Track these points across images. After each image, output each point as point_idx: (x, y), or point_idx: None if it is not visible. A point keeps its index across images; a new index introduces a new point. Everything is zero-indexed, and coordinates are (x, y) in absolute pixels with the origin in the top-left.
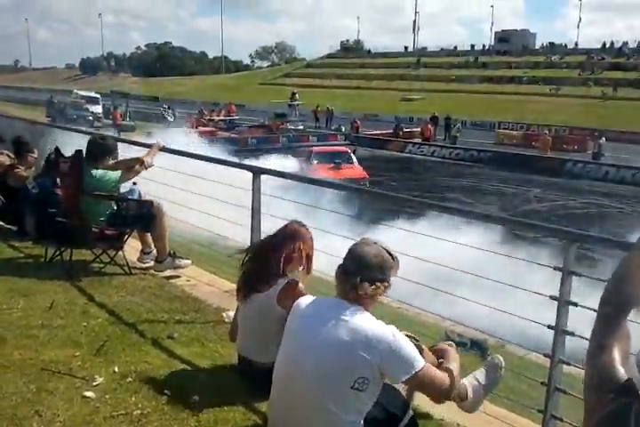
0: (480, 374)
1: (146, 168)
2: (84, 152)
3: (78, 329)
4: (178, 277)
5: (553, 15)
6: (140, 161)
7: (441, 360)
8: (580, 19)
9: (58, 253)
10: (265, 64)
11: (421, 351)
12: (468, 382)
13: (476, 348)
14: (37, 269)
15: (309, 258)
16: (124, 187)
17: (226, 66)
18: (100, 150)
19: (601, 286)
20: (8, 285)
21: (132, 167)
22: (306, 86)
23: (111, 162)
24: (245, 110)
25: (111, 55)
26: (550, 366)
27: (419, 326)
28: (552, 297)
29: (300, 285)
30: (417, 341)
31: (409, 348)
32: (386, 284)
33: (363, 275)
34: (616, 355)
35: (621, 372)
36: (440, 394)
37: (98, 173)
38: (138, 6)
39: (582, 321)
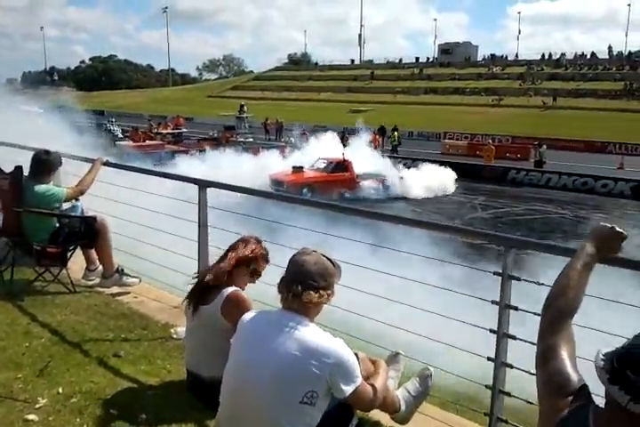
0: (411, 386)
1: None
2: (29, 167)
3: (20, 350)
4: (124, 293)
5: (494, 27)
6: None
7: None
8: (520, 31)
9: None
10: (213, 77)
11: (357, 359)
12: (400, 395)
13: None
14: None
15: (256, 271)
16: (67, 203)
17: (173, 79)
18: (44, 166)
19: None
20: None
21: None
22: (254, 99)
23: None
24: (194, 123)
25: (54, 69)
26: (494, 369)
27: (369, 335)
28: (493, 302)
29: (244, 295)
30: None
31: (354, 362)
32: (329, 291)
33: (304, 283)
34: (565, 359)
35: (573, 376)
36: (365, 408)
37: (41, 188)
38: (81, 19)
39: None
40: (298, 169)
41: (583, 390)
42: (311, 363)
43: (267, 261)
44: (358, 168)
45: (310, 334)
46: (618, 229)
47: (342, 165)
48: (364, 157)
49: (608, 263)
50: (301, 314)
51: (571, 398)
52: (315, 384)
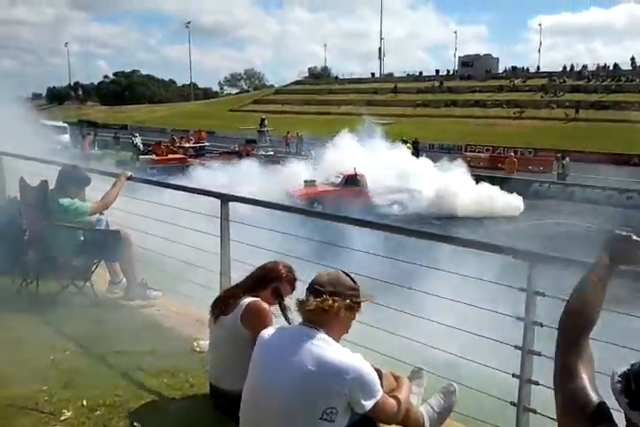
0: (435, 402)
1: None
2: (55, 181)
3: (45, 363)
4: (148, 307)
5: (515, 40)
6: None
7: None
8: (541, 43)
9: (24, 284)
10: (234, 91)
11: (381, 376)
12: (425, 411)
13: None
14: (3, 302)
15: (278, 291)
16: (91, 216)
17: (195, 93)
18: (70, 180)
19: None
20: None
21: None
22: (275, 112)
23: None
24: (216, 137)
25: (78, 84)
26: (519, 386)
27: (394, 350)
28: (518, 318)
29: (264, 304)
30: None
31: (374, 376)
32: (337, 298)
33: (312, 290)
34: (584, 379)
35: (593, 397)
36: (389, 420)
37: (65, 202)
38: (104, 34)
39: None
40: (310, 183)
41: (602, 407)
42: (329, 379)
43: (292, 287)
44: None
45: (328, 349)
46: (635, 237)
47: (354, 179)
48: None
49: (626, 277)
50: (318, 327)
51: (591, 419)
52: (334, 400)
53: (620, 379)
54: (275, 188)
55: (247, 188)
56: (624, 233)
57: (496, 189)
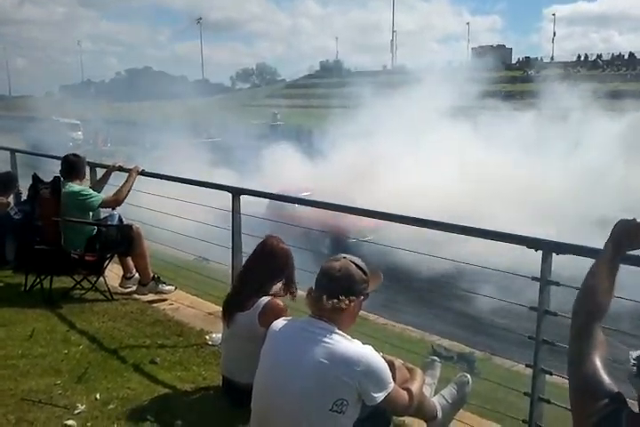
0: (448, 393)
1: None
2: (60, 169)
3: (59, 357)
4: (160, 301)
5: (529, 30)
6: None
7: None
8: (555, 33)
9: (38, 280)
10: (246, 86)
11: (393, 367)
12: (437, 402)
13: (463, 361)
14: (17, 298)
15: (291, 278)
16: (104, 211)
17: (207, 88)
18: (75, 166)
19: None
20: None
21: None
22: (288, 107)
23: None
24: (228, 132)
25: (90, 82)
26: (533, 375)
27: (405, 342)
28: (531, 308)
29: (282, 303)
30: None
31: (384, 368)
32: (352, 297)
33: (327, 289)
34: (597, 363)
35: (606, 379)
36: (401, 412)
37: (76, 187)
38: (115, 32)
39: None
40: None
41: (614, 390)
42: (339, 371)
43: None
44: None
45: (338, 341)
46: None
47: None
48: None
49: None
50: (329, 321)
51: (603, 402)
52: (344, 392)
53: (635, 362)
54: None
55: None
56: (629, 219)
57: None
